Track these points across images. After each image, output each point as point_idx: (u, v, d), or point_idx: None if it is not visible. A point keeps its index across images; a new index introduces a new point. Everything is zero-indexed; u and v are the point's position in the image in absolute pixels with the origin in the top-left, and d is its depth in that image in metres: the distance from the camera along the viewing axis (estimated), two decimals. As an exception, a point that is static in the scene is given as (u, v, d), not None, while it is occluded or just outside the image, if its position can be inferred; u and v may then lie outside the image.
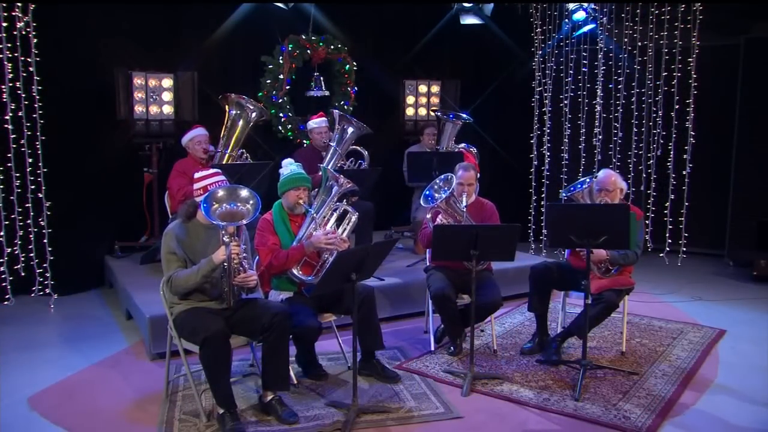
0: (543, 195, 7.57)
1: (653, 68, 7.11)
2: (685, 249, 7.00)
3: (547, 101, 7.55)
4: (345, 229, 4.11)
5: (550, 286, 4.61)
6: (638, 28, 7.06)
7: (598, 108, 7.27)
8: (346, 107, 7.35)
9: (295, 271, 3.96)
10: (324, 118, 6.10)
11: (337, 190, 4.19)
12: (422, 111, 7.75)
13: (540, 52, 7.57)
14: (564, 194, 4.80)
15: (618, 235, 3.90)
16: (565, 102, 7.44)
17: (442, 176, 4.46)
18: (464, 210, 4.39)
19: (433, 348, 4.64)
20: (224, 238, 3.39)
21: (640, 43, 7.09)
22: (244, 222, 3.42)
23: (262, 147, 6.75)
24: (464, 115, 6.72)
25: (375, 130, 6.14)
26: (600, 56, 7.20)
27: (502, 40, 7.90)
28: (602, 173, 4.46)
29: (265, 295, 4.02)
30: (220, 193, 3.47)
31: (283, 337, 3.58)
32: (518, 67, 7.92)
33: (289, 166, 4.14)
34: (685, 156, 7.00)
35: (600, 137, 7.29)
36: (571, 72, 7.37)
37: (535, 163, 7.64)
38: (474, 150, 6.63)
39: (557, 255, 6.92)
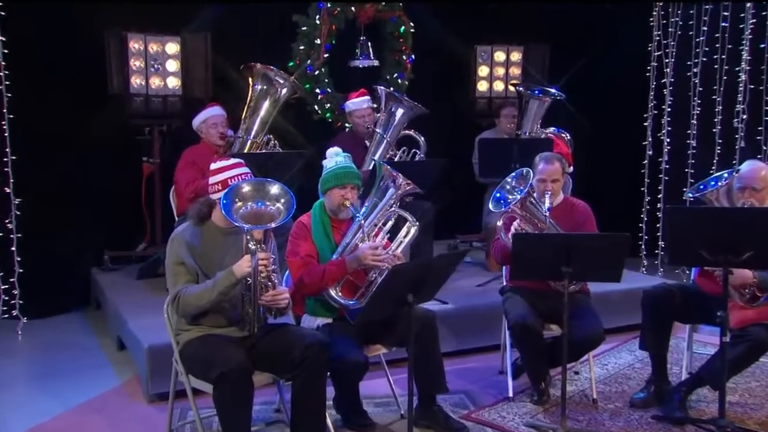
0: (660, 195, 7.48)
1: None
2: None
3: (668, 70, 7.45)
4: (401, 243, 4.14)
5: (671, 317, 4.55)
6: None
7: (743, 77, 7.08)
8: (400, 81, 7.44)
9: (332, 293, 3.99)
10: (366, 97, 6.17)
11: (393, 193, 4.21)
12: (499, 85, 7.77)
13: (660, 4, 7.47)
14: (691, 194, 4.73)
15: (768, 250, 3.83)
16: (695, 71, 7.30)
17: (515, 172, 4.49)
18: (547, 214, 4.39)
19: (511, 394, 4.64)
20: (249, 245, 3.46)
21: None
22: (274, 225, 3.49)
23: (294, 132, 6.85)
24: (554, 91, 6.69)
25: (437, 109, 6.20)
26: (748, 5, 7.01)
27: (607, -10, 7.85)
28: (747, 166, 4.40)
29: (296, 320, 4.10)
30: (246, 188, 3.55)
31: (318, 374, 3.63)
32: (628, 25, 7.83)
33: (334, 158, 4.16)
34: None
35: (744, 117, 7.13)
36: (705, 29, 7.24)
37: (650, 152, 7.55)
38: (567, 136, 6.59)
39: (680, 275, 6.82)
